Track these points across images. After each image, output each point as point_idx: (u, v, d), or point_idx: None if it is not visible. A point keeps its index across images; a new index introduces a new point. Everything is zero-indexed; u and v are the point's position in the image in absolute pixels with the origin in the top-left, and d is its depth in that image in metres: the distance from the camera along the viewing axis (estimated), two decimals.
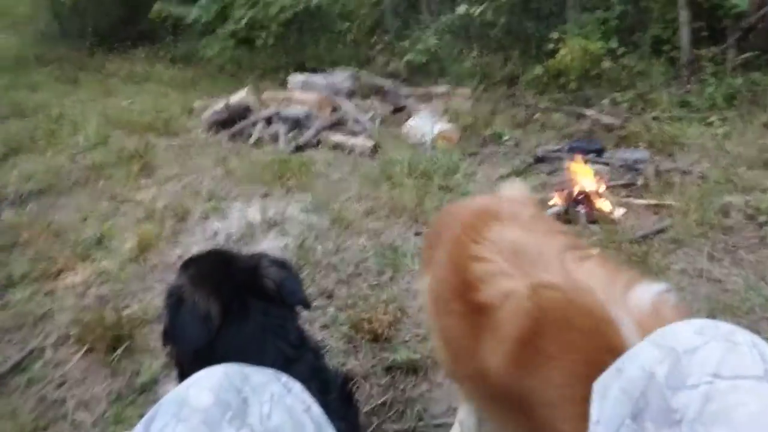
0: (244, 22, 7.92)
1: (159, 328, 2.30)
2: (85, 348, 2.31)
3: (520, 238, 1.39)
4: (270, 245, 3.16)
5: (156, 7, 8.35)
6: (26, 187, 3.93)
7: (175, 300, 1.49)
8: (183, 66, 8.66)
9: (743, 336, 0.95)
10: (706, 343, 0.94)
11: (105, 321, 2.34)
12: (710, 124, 4.87)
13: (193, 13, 8.29)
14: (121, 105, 6.38)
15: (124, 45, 9.98)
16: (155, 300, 2.60)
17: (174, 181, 4.11)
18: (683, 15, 5.80)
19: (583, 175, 3.85)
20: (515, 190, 1.97)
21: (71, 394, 2.12)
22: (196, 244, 3.18)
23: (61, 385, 2.17)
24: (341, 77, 6.68)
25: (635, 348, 1.03)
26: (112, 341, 2.29)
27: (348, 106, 5.87)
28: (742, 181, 3.82)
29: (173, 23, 9.36)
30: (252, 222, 3.42)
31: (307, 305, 1.67)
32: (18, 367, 2.25)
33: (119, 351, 2.26)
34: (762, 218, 3.37)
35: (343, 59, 7.60)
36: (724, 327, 0.99)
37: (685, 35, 5.86)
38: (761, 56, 5.55)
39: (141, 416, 1.94)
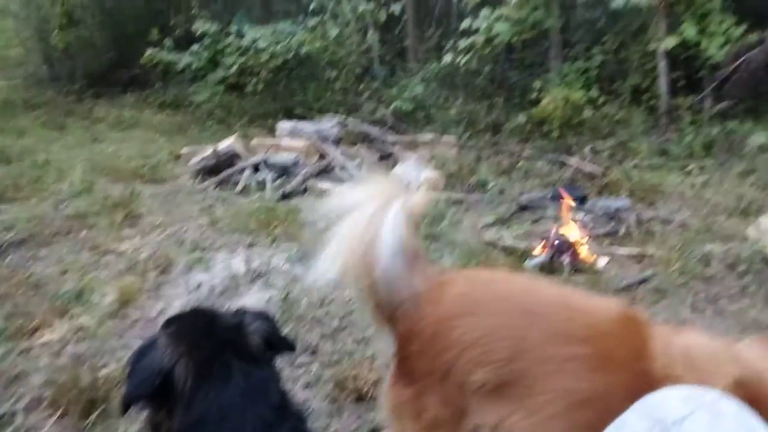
0: (234, 68, 8.07)
1: None
2: (58, 413, 2.23)
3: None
4: (254, 298, 3.12)
5: (148, 53, 8.48)
6: (6, 237, 3.87)
7: (143, 347, 1.48)
8: (172, 112, 8.73)
9: (728, 405, 0.96)
10: (693, 413, 0.94)
11: (80, 382, 2.28)
12: (689, 172, 4.98)
13: (184, 59, 8.44)
14: (108, 151, 6.38)
15: (114, 90, 10.06)
16: None
17: (158, 231, 4.08)
18: (661, 65, 6.00)
19: (568, 225, 3.89)
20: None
21: None
22: (178, 298, 3.13)
23: None
24: (329, 124, 6.76)
25: (622, 418, 1.02)
26: (87, 404, 2.22)
27: (335, 154, 5.93)
28: (721, 230, 3.88)
29: (164, 69, 9.50)
30: (236, 274, 3.39)
31: (292, 348, 1.65)
32: None
33: (94, 416, 2.19)
34: (742, 267, 3.42)
35: (331, 106, 7.72)
36: (709, 395, 0.99)
37: (663, 85, 6.05)
38: (736, 106, 5.74)
39: None
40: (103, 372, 2.43)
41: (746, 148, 5.07)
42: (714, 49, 5.58)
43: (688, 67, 6.12)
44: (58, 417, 2.23)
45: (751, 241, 3.66)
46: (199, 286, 3.29)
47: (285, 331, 2.71)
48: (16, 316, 2.87)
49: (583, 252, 3.67)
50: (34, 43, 11.06)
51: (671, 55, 5.94)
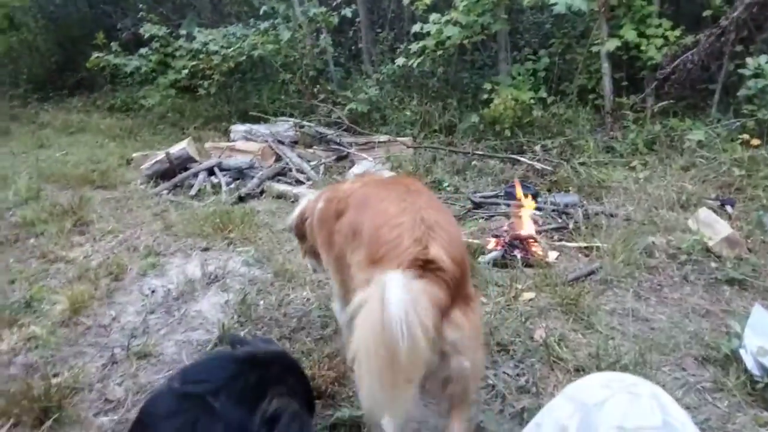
0: (185, 71, 7.95)
1: (91, 396, 2.22)
2: (10, 422, 2.18)
3: None
4: (210, 302, 3.11)
5: (94, 56, 8.24)
6: None
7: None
8: (121, 115, 8.53)
9: (645, 388, 1.05)
10: (612, 396, 1.03)
11: (32, 391, 2.23)
12: (633, 168, 5.20)
13: (132, 63, 8.25)
14: (55, 157, 6.19)
15: (60, 94, 9.76)
16: (87, 365, 2.50)
17: (109, 237, 4.00)
18: (605, 66, 6.24)
19: (520, 220, 4.02)
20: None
21: None
22: (132, 304, 3.09)
23: None
24: (284, 126, 6.75)
25: (551, 402, 1.11)
26: (39, 414, 2.18)
27: (291, 156, 5.93)
28: (663, 222, 4.07)
29: (111, 72, 9.26)
30: (192, 278, 3.36)
31: None
32: None
33: (47, 424, 2.15)
34: (683, 257, 3.60)
35: (286, 108, 7.70)
36: (628, 379, 1.09)
37: (607, 85, 6.29)
38: (676, 104, 6.01)
39: None
40: (56, 381, 2.38)
41: (686, 144, 5.32)
42: (653, 51, 5.87)
43: (630, 68, 6.39)
44: (10, 427, 2.17)
45: (690, 232, 3.86)
46: (153, 291, 3.25)
47: (243, 332, 2.73)
48: None
49: (535, 247, 3.80)
50: None
51: (614, 57, 6.19)
